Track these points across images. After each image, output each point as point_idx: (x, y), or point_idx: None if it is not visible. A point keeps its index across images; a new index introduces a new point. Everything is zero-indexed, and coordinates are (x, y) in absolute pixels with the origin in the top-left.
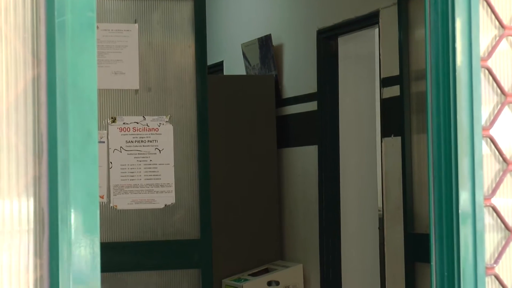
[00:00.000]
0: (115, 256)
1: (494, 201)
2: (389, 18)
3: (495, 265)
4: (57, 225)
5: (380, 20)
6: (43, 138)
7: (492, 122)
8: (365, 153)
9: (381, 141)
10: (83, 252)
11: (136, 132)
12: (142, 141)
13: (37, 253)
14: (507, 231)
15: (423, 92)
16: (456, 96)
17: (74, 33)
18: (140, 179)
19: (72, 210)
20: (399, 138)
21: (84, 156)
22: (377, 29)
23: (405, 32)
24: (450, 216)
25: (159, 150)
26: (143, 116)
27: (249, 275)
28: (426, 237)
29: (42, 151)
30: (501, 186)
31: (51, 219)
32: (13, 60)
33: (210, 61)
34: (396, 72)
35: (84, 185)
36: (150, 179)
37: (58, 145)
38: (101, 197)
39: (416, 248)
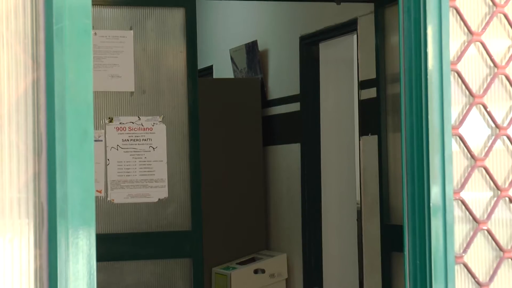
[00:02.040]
0: (113, 246)
1: (463, 195)
2: (366, 25)
3: (463, 254)
4: (55, 218)
5: (358, 27)
6: (42, 137)
7: (461, 122)
8: (344, 151)
9: (359, 140)
10: (80, 243)
11: (131, 131)
12: (137, 140)
13: (37, 244)
14: (475, 223)
15: (398, 94)
16: (428, 97)
17: (71, 39)
18: (136, 175)
19: (69, 204)
20: (375, 137)
21: (80, 153)
22: (356, 35)
23: (381, 38)
24: (422, 209)
25: (153, 148)
26: (138, 117)
27: (237, 263)
28: (401, 228)
29: (42, 149)
30: (470, 181)
31: (50, 212)
32: (14, 64)
33: (201, 65)
34: (373, 75)
35: (81, 181)
36: (144, 175)
37: (57, 143)
38: (99, 191)
39: (392, 239)
